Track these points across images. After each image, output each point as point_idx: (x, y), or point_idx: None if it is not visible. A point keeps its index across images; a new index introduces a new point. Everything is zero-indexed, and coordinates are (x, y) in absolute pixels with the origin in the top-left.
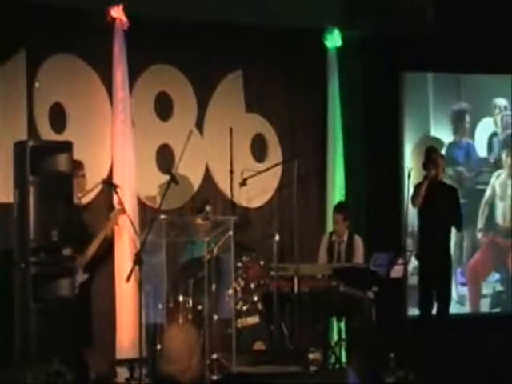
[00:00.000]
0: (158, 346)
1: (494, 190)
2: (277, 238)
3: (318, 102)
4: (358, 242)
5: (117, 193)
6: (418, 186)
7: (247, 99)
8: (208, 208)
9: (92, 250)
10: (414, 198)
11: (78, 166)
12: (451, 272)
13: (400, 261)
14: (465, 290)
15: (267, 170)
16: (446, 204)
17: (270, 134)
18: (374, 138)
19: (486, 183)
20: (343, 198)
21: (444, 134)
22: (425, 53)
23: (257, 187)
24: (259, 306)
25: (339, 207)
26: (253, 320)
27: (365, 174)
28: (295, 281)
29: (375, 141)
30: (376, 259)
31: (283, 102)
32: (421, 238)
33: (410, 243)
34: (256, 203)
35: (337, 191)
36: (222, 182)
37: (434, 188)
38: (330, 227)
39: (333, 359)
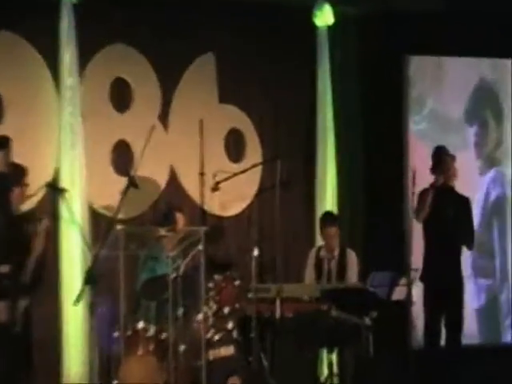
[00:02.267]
0: (115, 382)
1: None
2: (256, 252)
3: (306, 91)
4: (352, 257)
5: (64, 198)
6: (422, 195)
7: (221, 87)
8: (179, 216)
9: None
10: (418, 211)
11: (23, 172)
12: (462, 295)
13: (403, 281)
14: None
15: (244, 171)
16: (455, 216)
17: (248, 129)
18: (373, 135)
19: None
20: (335, 206)
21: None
22: (434, 33)
23: (232, 192)
24: (234, 334)
25: (330, 218)
26: (227, 351)
27: (361, 177)
28: (277, 304)
29: (374, 138)
30: (374, 279)
31: (264, 90)
32: (426, 255)
33: (414, 260)
34: (231, 211)
35: (328, 198)
36: (191, 186)
37: (442, 196)
38: (319, 240)
39: None
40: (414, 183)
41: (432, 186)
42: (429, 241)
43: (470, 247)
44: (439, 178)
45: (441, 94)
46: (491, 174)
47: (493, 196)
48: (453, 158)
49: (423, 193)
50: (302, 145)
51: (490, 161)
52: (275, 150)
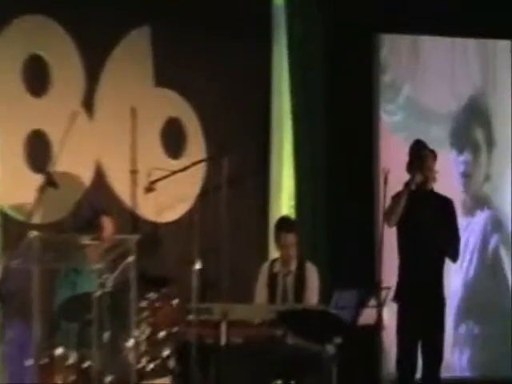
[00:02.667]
0: None
1: None
2: (198, 266)
3: (259, 74)
4: (311, 272)
5: None
6: (396, 198)
7: (157, 68)
8: (106, 221)
9: None
10: (388, 214)
11: None
12: (443, 319)
13: (372, 302)
14: None
15: (185, 169)
16: (436, 221)
17: (190, 118)
18: (338, 127)
19: None
20: (293, 211)
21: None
22: (410, 7)
23: (170, 194)
24: (171, 363)
25: (287, 224)
26: (162, 383)
27: (324, 177)
28: (223, 328)
29: (339, 130)
30: (339, 299)
31: (209, 73)
32: (401, 269)
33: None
34: (169, 216)
35: (284, 201)
36: (121, 186)
37: (420, 199)
38: (273, 252)
39: None
40: (386, 184)
41: (407, 184)
42: (404, 252)
43: (454, 259)
44: (416, 176)
45: (419, 80)
46: (485, 215)
47: (492, 244)
48: (434, 155)
49: (397, 194)
50: (254, 138)
51: (476, 198)
52: (222, 144)
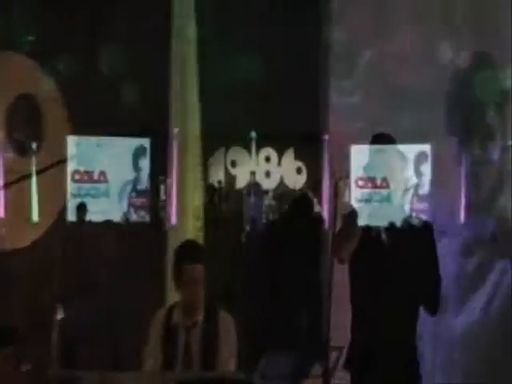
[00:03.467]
0: None
1: None
2: (60, 314)
3: (156, 41)
4: (227, 324)
5: None
6: (349, 219)
7: (4, 23)
8: None
9: None
10: (339, 243)
11: None
12: None
13: (317, 369)
14: None
15: (42, 171)
16: (407, 253)
17: (50, 95)
18: (269, 113)
19: None
20: (200, 234)
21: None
22: None
23: (19, 208)
24: None
25: (192, 252)
26: None
27: (246, 186)
28: None
29: (272, 115)
30: (268, 365)
31: (79, 32)
32: (356, 324)
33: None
34: (18, 240)
35: (188, 220)
36: None
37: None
38: (172, 294)
39: None
40: (337, 198)
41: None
42: (359, 300)
43: (432, 309)
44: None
45: (386, 44)
46: None
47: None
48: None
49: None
50: (145, 125)
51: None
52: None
